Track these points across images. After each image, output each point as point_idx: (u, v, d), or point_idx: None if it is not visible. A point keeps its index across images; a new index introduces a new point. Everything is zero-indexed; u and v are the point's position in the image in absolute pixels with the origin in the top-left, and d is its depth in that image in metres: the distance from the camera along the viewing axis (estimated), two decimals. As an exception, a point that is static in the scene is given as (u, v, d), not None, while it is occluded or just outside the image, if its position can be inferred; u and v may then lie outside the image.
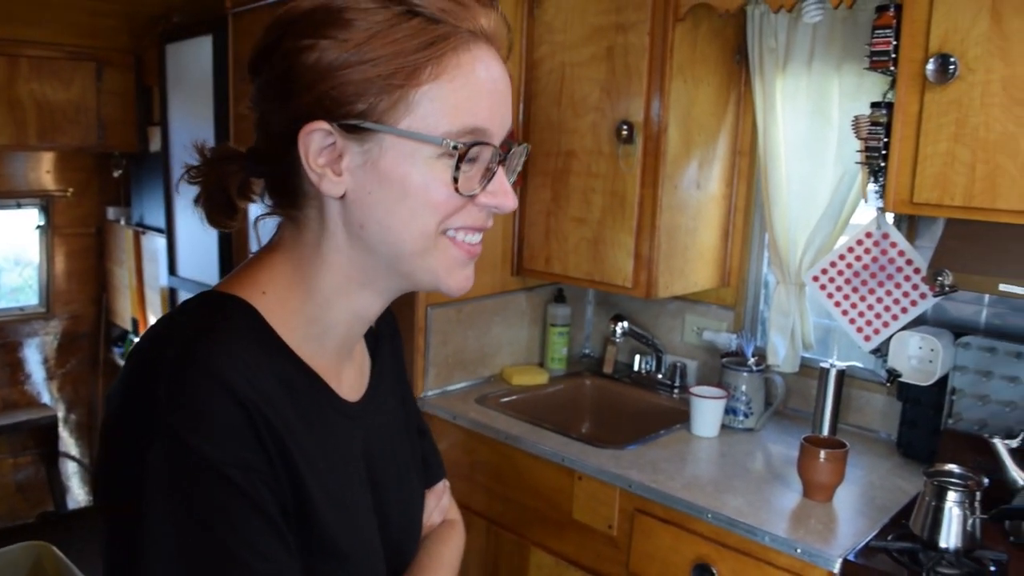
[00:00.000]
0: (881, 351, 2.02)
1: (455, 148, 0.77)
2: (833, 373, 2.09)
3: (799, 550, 1.64)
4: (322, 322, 0.84)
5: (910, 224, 2.10)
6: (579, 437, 2.19)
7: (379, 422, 0.95)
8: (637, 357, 2.66)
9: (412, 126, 0.77)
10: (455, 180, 0.78)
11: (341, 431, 0.87)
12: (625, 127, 2.23)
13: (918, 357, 1.93)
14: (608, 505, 1.98)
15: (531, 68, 2.45)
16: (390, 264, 0.82)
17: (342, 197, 0.79)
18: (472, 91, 0.78)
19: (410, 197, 0.78)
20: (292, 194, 0.83)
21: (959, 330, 1.99)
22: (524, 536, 2.20)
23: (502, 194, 0.82)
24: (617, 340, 2.59)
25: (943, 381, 1.93)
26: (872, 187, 1.95)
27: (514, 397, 2.49)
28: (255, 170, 0.86)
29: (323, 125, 0.77)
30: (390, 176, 0.78)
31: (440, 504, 1.11)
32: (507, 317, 2.64)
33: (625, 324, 2.53)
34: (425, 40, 0.76)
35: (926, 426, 1.99)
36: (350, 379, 0.91)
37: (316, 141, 0.77)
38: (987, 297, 2.00)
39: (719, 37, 2.31)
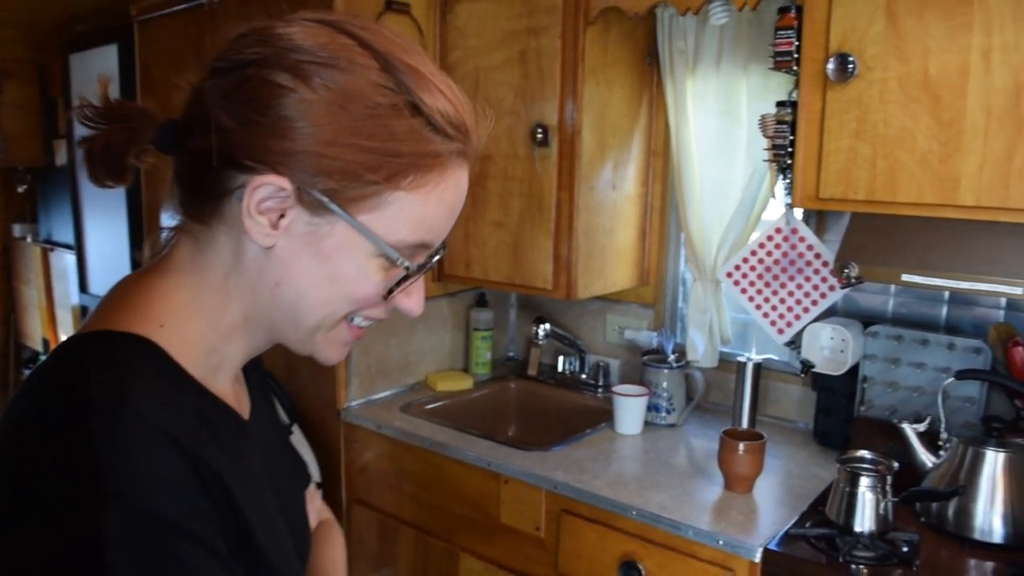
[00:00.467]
0: (795, 343, 2.07)
1: (406, 268, 0.76)
2: (750, 367, 2.13)
3: (721, 542, 1.66)
4: (221, 353, 0.81)
5: (819, 219, 2.16)
6: (505, 441, 2.19)
7: (265, 435, 0.93)
8: (561, 358, 2.68)
9: (372, 224, 0.74)
10: (389, 291, 0.78)
11: (250, 454, 0.84)
12: (540, 130, 2.24)
13: (830, 348, 1.98)
14: (535, 507, 1.98)
15: (446, 73, 2.43)
16: (286, 321, 0.79)
17: (267, 247, 0.75)
18: (440, 209, 0.77)
19: (337, 284, 0.76)
20: (206, 210, 0.77)
21: (868, 320, 2.05)
22: (453, 543, 2.18)
23: (416, 300, 0.81)
24: (540, 342, 2.60)
25: (854, 370, 1.99)
26: (781, 184, 2.01)
27: (439, 404, 2.48)
28: (167, 148, 0.77)
29: (284, 183, 0.71)
30: (327, 257, 0.75)
31: (315, 506, 1.09)
32: (429, 324, 2.63)
33: (547, 326, 2.54)
34: (422, 149, 0.73)
35: (840, 414, 2.04)
36: (240, 397, 0.88)
37: (267, 191, 0.72)
38: (894, 287, 2.07)
39: (630, 40, 2.34)
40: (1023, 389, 1.69)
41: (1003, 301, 1.93)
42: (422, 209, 0.75)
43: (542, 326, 2.54)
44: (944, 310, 2.01)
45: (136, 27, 2.95)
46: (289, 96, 0.70)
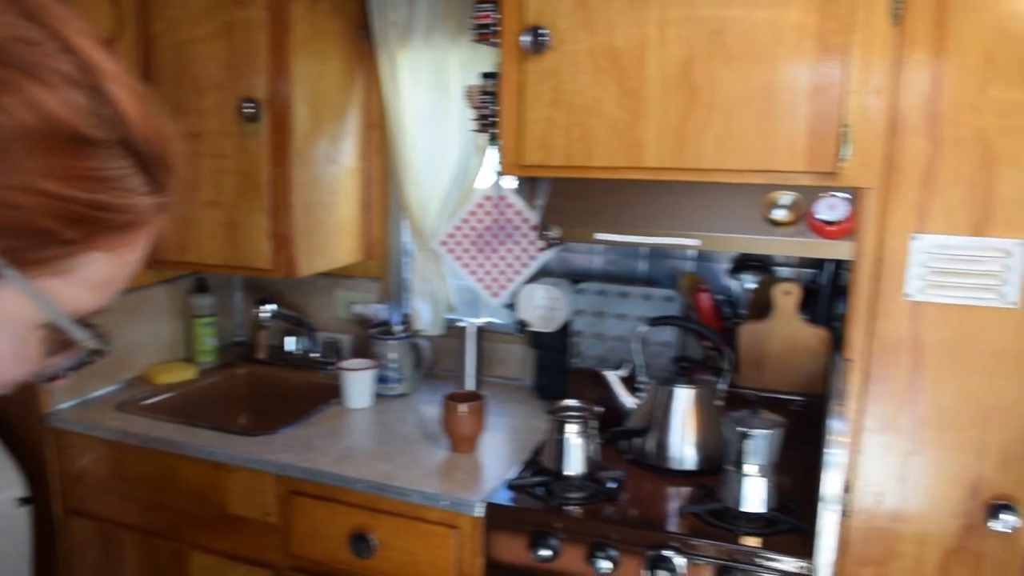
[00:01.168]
0: (514, 305, 2.17)
1: (87, 346, 0.59)
2: (472, 331, 2.20)
3: (445, 502, 1.71)
4: None
5: (531, 185, 2.26)
6: (235, 429, 2.11)
7: None
8: (291, 339, 2.62)
9: (52, 290, 0.54)
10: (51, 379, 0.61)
11: None
12: (250, 105, 2.16)
13: (544, 307, 2.09)
14: (263, 493, 1.93)
15: (147, 46, 2.27)
16: None
17: None
18: (125, 271, 0.59)
19: None
20: None
21: (579, 278, 2.19)
22: (181, 541, 2.07)
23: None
24: (266, 324, 2.52)
25: (567, 325, 2.11)
26: (490, 153, 2.08)
27: (161, 398, 2.34)
28: None
29: None
30: None
31: None
32: (144, 314, 2.46)
33: (273, 307, 2.48)
34: (132, 203, 0.55)
35: (556, 368, 2.17)
36: None
37: None
38: (602, 246, 2.23)
39: (341, 12, 2.31)
40: (704, 330, 1.88)
41: (692, 252, 2.13)
42: (110, 270, 0.57)
43: (266, 307, 2.46)
44: (643, 264, 2.19)
45: None
46: None
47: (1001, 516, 1.56)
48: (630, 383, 1.88)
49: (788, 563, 1.53)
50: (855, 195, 1.60)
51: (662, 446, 1.78)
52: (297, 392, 2.49)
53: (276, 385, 2.55)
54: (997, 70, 1.48)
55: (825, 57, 1.56)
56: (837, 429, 1.45)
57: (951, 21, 1.50)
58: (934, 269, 1.54)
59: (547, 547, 1.61)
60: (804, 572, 1.52)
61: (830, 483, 1.43)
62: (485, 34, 1.94)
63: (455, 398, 1.89)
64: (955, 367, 1.58)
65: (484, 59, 2.17)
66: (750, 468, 1.59)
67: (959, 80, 1.50)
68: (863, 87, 1.55)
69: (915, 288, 1.57)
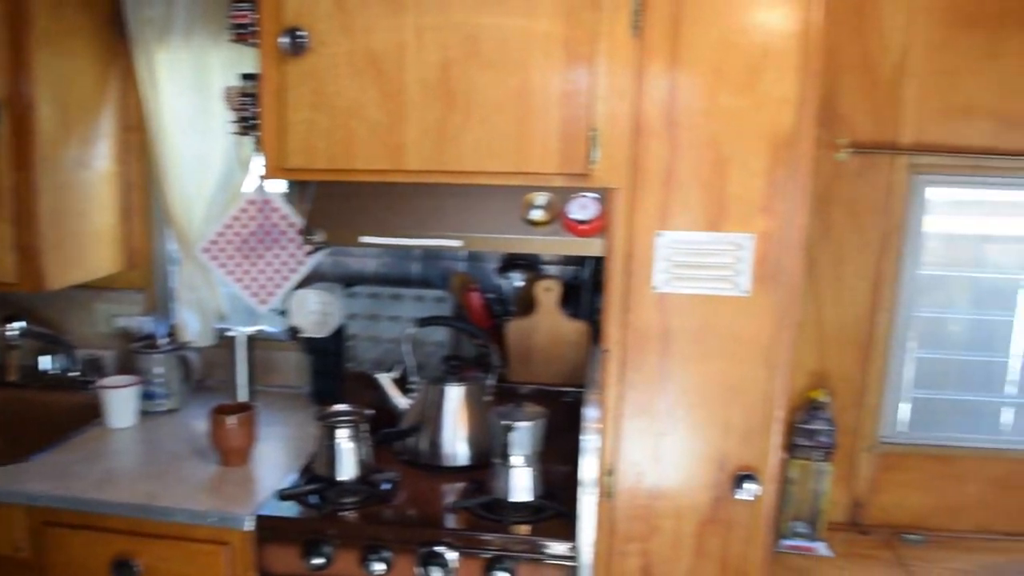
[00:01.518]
0: (286, 311, 2.13)
1: None
2: (242, 340, 2.14)
3: (214, 519, 1.66)
4: None
5: (302, 189, 2.22)
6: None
7: None
8: (46, 358, 2.42)
9: None
10: None
11: None
12: (-16, 105, 1.98)
13: (317, 312, 2.06)
14: (13, 527, 1.78)
15: None
16: None
17: None
18: None
19: None
20: None
21: (353, 281, 2.18)
22: (-83, 587, 1.88)
23: None
24: (15, 343, 2.33)
25: (341, 330, 2.10)
26: (255, 156, 2.02)
27: None
28: None
29: None
30: None
31: None
32: None
33: (22, 324, 2.29)
34: None
35: (332, 374, 2.15)
36: None
37: None
38: (376, 250, 2.22)
39: (90, 7, 2.17)
40: (471, 328, 1.93)
41: (464, 253, 2.17)
42: None
43: (13, 325, 2.27)
44: (417, 266, 2.21)
45: None
46: None
47: (745, 485, 1.71)
48: (402, 384, 1.89)
49: (556, 547, 1.60)
50: (605, 195, 1.69)
51: (435, 444, 1.81)
52: (53, 415, 2.31)
53: (29, 409, 2.36)
54: (724, 79, 1.62)
55: (573, 65, 1.64)
56: (591, 416, 1.53)
57: (684, 34, 1.62)
58: (677, 263, 1.67)
59: (320, 555, 1.60)
60: (570, 554, 1.59)
61: (587, 468, 1.51)
62: (243, 34, 1.89)
63: (223, 410, 1.83)
64: (700, 352, 1.71)
65: (250, 60, 2.10)
66: (516, 459, 1.65)
67: (692, 88, 1.63)
68: (609, 94, 1.64)
69: (661, 281, 1.68)
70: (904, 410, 2.33)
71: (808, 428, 2.17)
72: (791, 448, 2.19)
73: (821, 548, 2.18)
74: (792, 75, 1.61)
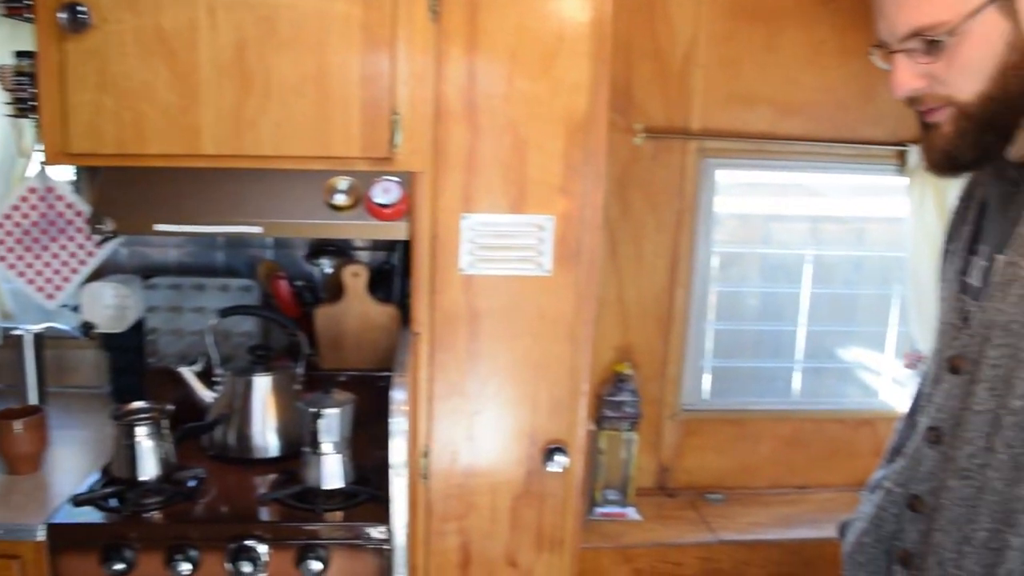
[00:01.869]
0: (78, 306, 2.00)
1: None
2: (29, 339, 2.00)
3: (0, 531, 1.55)
4: None
5: (91, 175, 2.09)
6: None
7: None
8: None
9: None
10: None
11: None
12: None
13: (113, 306, 1.96)
14: None
15: None
16: None
17: None
18: None
19: None
20: None
21: (153, 273, 2.08)
22: None
23: None
24: None
25: (140, 324, 2.00)
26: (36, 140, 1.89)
27: None
28: None
29: None
30: None
31: None
32: None
33: None
34: None
35: (133, 370, 2.05)
36: None
37: None
38: (177, 238, 2.13)
39: None
40: (276, 316, 1.90)
41: (270, 240, 2.12)
42: None
43: None
44: (221, 255, 2.14)
45: None
46: None
47: (555, 458, 1.78)
48: (207, 377, 1.83)
49: (370, 531, 1.60)
50: (409, 179, 1.70)
51: (244, 437, 1.77)
52: None
53: None
54: (521, 65, 1.66)
55: (373, 48, 1.63)
56: (398, 399, 1.54)
57: (481, 19, 1.65)
58: (482, 245, 1.70)
59: (121, 560, 1.52)
60: (384, 537, 1.60)
61: (395, 450, 1.52)
62: (17, 8, 1.75)
63: (8, 415, 1.71)
64: (507, 332, 1.76)
65: (24, 37, 1.95)
66: (326, 447, 1.63)
67: (491, 73, 1.66)
68: (410, 78, 1.65)
69: (467, 263, 1.71)
70: (706, 380, 2.49)
71: (614, 400, 2.28)
72: (599, 420, 2.29)
73: (631, 513, 2.30)
74: (585, 61, 1.67)
